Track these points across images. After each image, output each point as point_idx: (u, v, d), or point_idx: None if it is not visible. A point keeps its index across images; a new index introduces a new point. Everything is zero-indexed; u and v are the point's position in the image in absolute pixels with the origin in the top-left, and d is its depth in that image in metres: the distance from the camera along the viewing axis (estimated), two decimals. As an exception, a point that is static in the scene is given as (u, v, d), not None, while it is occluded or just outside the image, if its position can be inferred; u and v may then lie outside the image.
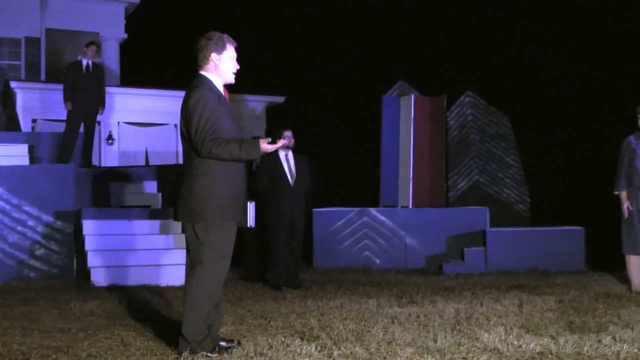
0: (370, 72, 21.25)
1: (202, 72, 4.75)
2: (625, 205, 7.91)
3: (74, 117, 11.60)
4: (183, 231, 4.84)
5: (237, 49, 4.82)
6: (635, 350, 4.66)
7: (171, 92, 16.10)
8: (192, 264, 4.67)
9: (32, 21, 18.31)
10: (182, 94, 4.80)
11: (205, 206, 4.60)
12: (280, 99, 18.94)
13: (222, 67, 4.73)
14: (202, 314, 4.60)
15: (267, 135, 15.04)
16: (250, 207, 8.96)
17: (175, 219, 4.79)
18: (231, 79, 4.81)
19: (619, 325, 5.56)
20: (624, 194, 7.96)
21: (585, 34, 17.75)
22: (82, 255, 9.23)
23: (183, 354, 4.54)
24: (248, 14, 25.15)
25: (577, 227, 11.00)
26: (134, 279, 8.68)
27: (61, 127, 12.25)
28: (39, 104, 15.90)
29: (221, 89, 4.78)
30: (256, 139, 4.75)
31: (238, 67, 4.82)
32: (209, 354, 4.56)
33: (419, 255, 11.13)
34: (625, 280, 8.26)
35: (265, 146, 4.61)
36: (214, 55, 4.70)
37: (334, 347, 4.75)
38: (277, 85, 20.14)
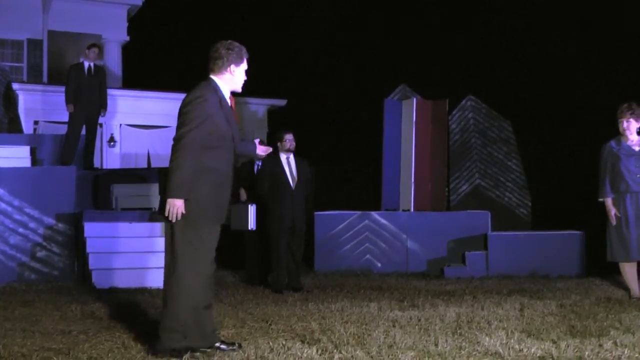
0: (372, 75, 21.27)
1: (213, 77, 4.81)
2: (613, 212, 7.87)
3: (76, 119, 11.62)
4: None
5: (248, 61, 4.92)
6: (637, 355, 4.65)
7: (173, 94, 16.10)
8: (169, 263, 4.68)
9: (34, 23, 18.32)
10: (184, 96, 4.83)
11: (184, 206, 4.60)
12: (282, 102, 18.95)
13: (236, 78, 4.84)
14: (178, 313, 4.59)
15: (268, 138, 15.05)
16: (251, 210, 9.01)
17: (158, 215, 4.82)
18: (240, 89, 4.92)
19: (620, 330, 5.55)
20: (609, 201, 7.89)
21: (587, 39, 17.76)
22: (83, 257, 9.23)
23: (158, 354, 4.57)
24: (250, 17, 25.18)
25: (579, 232, 10.99)
26: (135, 281, 8.67)
27: (63, 129, 12.27)
28: (41, 106, 15.91)
29: (227, 95, 4.84)
30: (185, 194, 4.58)
31: (246, 78, 4.93)
32: (177, 355, 4.54)
33: (420, 259, 11.13)
34: (626, 285, 8.23)
35: (177, 207, 4.53)
36: (232, 67, 4.80)
37: (335, 351, 4.74)
38: (279, 89, 20.16)
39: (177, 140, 4.60)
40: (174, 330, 4.61)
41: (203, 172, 4.62)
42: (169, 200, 4.54)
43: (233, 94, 4.96)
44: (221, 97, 4.76)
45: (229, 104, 4.84)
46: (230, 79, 4.82)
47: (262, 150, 5.12)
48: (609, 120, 8.12)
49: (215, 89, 4.76)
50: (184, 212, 4.55)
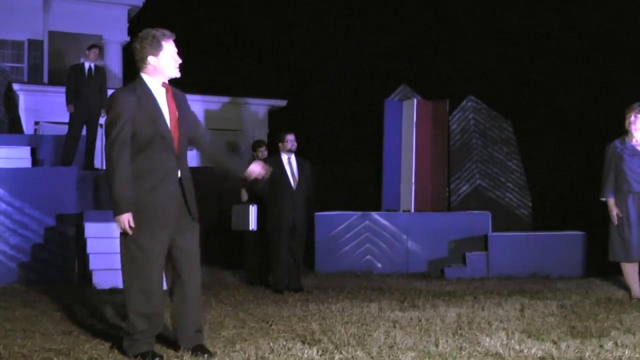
0: (372, 75, 21.26)
1: (141, 73, 4.63)
2: (615, 212, 7.86)
3: (76, 119, 11.62)
4: None
5: (176, 41, 4.67)
6: (637, 356, 4.65)
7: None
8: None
9: (35, 24, 18.33)
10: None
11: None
12: (282, 103, 18.94)
13: (161, 67, 4.60)
14: (132, 309, 4.56)
15: (269, 139, 15.04)
16: (252, 210, 9.00)
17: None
18: (175, 74, 4.68)
19: (620, 331, 5.55)
20: (611, 201, 7.88)
21: (589, 38, 17.76)
22: (83, 258, 9.23)
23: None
24: (251, 17, 25.18)
25: (579, 232, 10.99)
26: (136, 281, 8.66)
27: (64, 130, 12.26)
28: (41, 106, 15.91)
29: (158, 88, 4.62)
30: (128, 207, 4.46)
31: (180, 60, 4.68)
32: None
33: (420, 260, 11.12)
34: (627, 286, 8.23)
35: (124, 223, 4.44)
36: (151, 58, 4.57)
37: (336, 351, 4.74)
38: (279, 89, 20.16)
39: (107, 155, 4.49)
40: (129, 336, 4.60)
41: (138, 177, 4.48)
42: (116, 219, 4.44)
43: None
44: (143, 95, 4.53)
45: (157, 98, 4.59)
46: (154, 69, 4.56)
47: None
48: (610, 120, 8.11)
49: (140, 87, 4.55)
50: (132, 224, 4.45)
